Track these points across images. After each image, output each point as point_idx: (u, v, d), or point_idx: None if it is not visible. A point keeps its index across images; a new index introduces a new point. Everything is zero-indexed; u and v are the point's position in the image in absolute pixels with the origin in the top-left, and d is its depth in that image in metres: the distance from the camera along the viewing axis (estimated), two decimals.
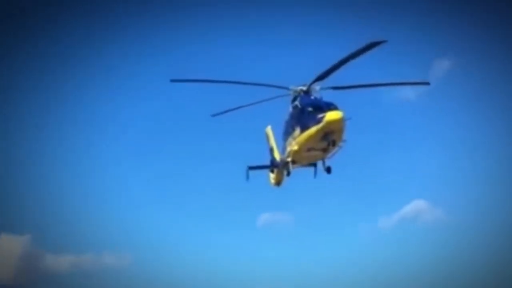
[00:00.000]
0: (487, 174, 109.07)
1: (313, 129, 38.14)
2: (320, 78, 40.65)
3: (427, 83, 45.80)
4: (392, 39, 39.24)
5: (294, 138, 40.57)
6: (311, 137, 38.67)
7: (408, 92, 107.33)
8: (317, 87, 41.84)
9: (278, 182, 47.61)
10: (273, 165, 48.06)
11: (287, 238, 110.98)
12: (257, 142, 50.32)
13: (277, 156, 47.32)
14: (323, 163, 42.61)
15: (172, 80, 40.81)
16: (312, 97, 41.14)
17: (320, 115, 37.74)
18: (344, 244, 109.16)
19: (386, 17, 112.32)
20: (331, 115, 37.33)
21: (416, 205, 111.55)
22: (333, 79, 41.07)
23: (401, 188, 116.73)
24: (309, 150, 40.04)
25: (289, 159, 41.99)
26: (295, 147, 40.25)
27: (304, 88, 41.91)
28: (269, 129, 50.49)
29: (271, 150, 48.91)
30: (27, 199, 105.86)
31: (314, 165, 44.63)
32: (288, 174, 43.14)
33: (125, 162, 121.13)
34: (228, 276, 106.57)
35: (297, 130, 40.06)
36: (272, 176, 48.42)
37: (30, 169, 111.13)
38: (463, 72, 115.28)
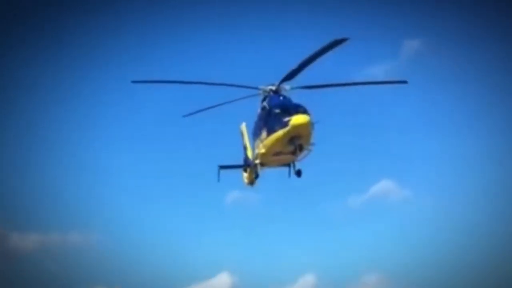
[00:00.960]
0: (456, 154, 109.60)
1: (279, 133, 36.84)
2: (288, 77, 39.09)
3: (405, 82, 43.28)
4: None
5: (262, 141, 39.23)
6: (277, 141, 37.37)
7: (376, 71, 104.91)
8: (287, 86, 40.29)
9: (251, 182, 46.21)
10: (246, 164, 46.56)
11: (255, 216, 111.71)
12: (230, 142, 49.01)
13: (250, 154, 45.71)
14: (293, 165, 41.21)
15: (133, 82, 39.50)
16: (281, 98, 39.50)
17: (286, 119, 36.32)
18: (315, 223, 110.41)
19: None
20: (297, 119, 35.92)
21: (384, 185, 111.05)
22: (306, 77, 39.70)
23: (369, 168, 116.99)
24: (276, 153, 38.82)
25: (257, 161, 40.58)
26: (262, 150, 38.95)
27: (273, 88, 40.36)
28: (243, 127, 48.83)
29: (245, 148, 47.36)
30: None
31: (288, 165, 43.12)
32: (256, 176, 41.86)
33: (93, 138, 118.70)
34: (197, 254, 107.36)
35: (264, 133, 38.75)
36: (245, 175, 47.06)
37: None
38: (433, 52, 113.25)
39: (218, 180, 45.66)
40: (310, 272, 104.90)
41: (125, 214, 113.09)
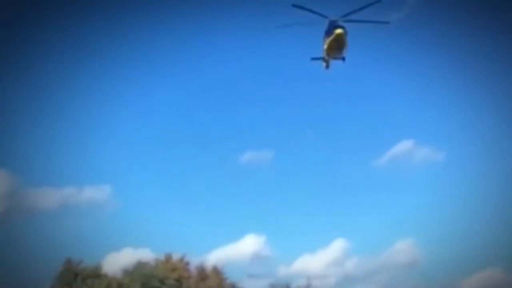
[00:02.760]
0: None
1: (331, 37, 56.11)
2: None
3: (388, 23, 57.99)
4: None
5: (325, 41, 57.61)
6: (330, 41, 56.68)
7: None
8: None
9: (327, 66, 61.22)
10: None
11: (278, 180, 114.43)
12: None
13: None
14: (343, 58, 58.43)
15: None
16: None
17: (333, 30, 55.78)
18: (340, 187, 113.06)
19: None
20: (337, 29, 55.26)
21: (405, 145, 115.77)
22: None
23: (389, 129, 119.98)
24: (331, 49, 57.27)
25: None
26: (325, 46, 57.78)
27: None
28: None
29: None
30: (4, 134, 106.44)
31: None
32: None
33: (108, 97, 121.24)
34: (219, 217, 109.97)
35: (325, 37, 57.22)
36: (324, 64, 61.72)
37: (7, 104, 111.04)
38: None
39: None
40: (342, 237, 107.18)
41: (139, 167, 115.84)
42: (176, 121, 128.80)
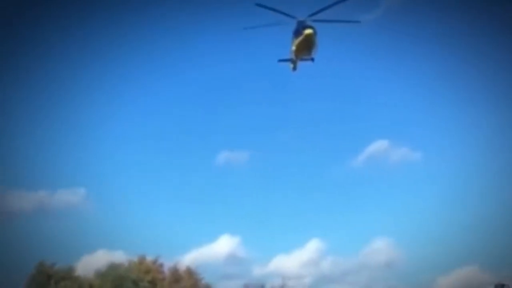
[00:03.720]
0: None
1: (300, 37, 56.52)
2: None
3: (358, 22, 59.32)
4: None
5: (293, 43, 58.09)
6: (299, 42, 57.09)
7: None
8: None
9: (294, 68, 62.44)
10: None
11: (253, 179, 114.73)
12: None
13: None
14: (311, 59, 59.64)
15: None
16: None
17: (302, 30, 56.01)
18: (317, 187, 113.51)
19: None
20: (307, 30, 55.65)
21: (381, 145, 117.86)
22: None
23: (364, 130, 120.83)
24: (300, 50, 58.03)
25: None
26: (293, 48, 58.48)
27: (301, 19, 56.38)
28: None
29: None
30: None
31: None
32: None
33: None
34: (195, 218, 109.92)
35: (294, 38, 57.65)
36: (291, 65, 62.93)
37: None
38: None
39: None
40: (317, 237, 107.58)
41: (113, 169, 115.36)
42: (150, 123, 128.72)
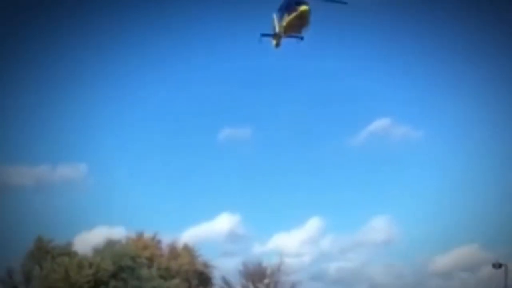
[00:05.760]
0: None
1: (293, 14, 51.67)
2: None
3: (345, 3, 52.22)
4: None
5: (284, 19, 53.22)
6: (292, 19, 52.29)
7: None
8: None
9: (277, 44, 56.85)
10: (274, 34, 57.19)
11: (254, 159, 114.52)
12: None
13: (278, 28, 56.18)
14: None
15: None
16: None
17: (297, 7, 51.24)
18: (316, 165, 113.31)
19: None
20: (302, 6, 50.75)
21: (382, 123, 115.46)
22: None
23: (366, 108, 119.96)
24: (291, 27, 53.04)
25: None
26: (284, 24, 53.34)
27: None
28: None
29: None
30: None
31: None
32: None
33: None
34: (194, 195, 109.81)
35: (286, 14, 52.92)
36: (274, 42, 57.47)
37: None
38: None
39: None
40: (317, 215, 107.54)
41: (114, 145, 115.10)
42: (151, 100, 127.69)
